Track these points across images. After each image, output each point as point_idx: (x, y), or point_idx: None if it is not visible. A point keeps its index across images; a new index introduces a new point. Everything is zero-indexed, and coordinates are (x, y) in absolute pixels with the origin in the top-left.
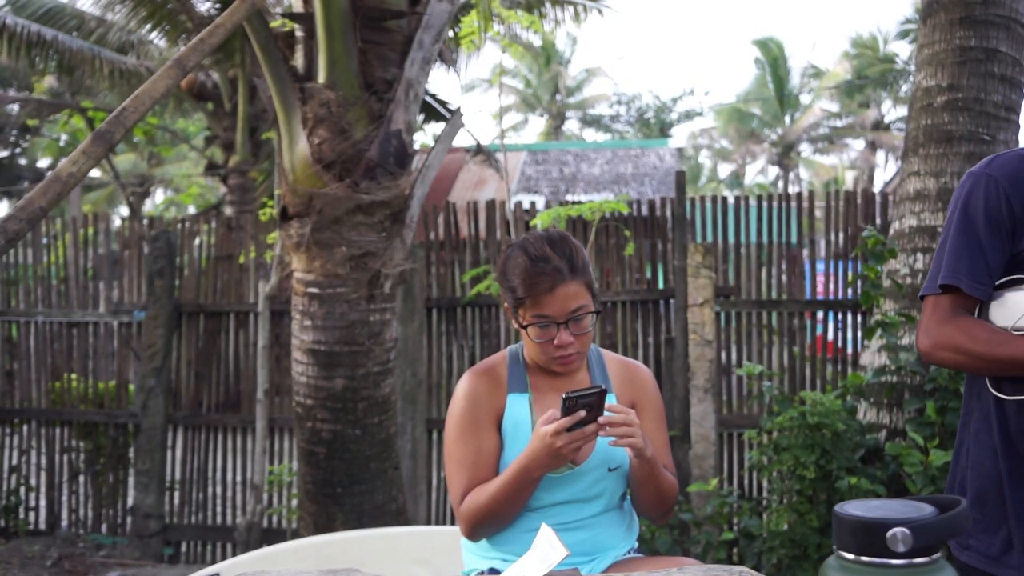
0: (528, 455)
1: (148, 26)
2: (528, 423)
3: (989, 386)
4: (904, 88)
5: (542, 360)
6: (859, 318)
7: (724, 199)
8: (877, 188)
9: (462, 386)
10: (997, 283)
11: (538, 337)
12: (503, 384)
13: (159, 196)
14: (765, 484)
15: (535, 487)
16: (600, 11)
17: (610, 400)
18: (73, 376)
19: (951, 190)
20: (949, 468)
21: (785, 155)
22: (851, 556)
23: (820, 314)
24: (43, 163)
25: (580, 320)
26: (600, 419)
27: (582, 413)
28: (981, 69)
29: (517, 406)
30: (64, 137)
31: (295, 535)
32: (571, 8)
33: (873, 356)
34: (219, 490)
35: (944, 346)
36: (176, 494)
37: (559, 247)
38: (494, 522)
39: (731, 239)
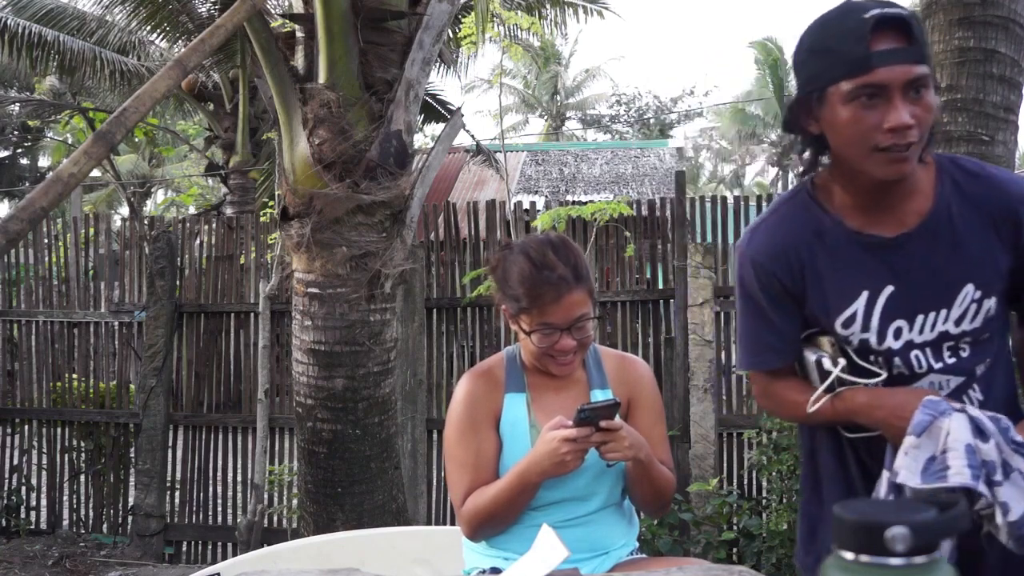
0: (531, 459)
1: (149, 27)
2: (526, 423)
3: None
4: None
5: (541, 363)
6: None
7: (724, 199)
8: None
9: (460, 388)
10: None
11: (541, 343)
12: (501, 385)
13: (160, 196)
14: (765, 484)
15: (537, 490)
16: (600, 13)
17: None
18: (74, 376)
19: None
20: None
21: (785, 155)
22: (850, 555)
23: None
24: (44, 163)
25: (582, 326)
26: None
27: (595, 428)
28: (980, 70)
29: (515, 406)
30: (70, 137)
31: (295, 535)
32: (571, 9)
33: None
34: (219, 490)
35: (771, 414)
36: (177, 494)
37: (562, 254)
38: (496, 524)
39: (731, 239)
